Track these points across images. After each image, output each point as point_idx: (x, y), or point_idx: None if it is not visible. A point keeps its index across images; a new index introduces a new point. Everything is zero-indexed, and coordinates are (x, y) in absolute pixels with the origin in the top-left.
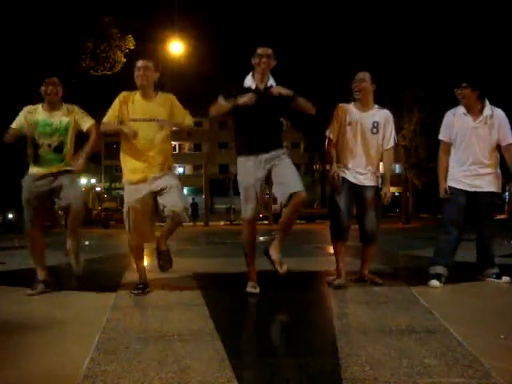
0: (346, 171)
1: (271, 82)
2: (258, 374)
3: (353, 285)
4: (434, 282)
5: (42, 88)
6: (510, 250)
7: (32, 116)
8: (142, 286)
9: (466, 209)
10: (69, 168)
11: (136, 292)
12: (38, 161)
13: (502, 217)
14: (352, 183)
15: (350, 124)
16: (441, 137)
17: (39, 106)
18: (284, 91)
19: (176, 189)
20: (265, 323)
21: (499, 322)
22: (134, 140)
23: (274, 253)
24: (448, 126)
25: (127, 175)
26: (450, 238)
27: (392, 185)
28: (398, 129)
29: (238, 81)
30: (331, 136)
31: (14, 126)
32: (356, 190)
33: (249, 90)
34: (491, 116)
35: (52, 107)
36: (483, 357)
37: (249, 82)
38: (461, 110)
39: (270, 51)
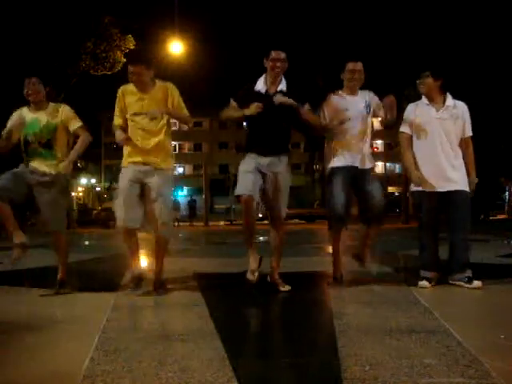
0: (342, 156)
1: (282, 85)
2: (258, 374)
3: (353, 285)
4: (424, 283)
5: (24, 90)
6: (510, 250)
7: (20, 117)
8: (138, 280)
9: (440, 209)
10: (60, 171)
11: (131, 288)
12: (29, 156)
13: (502, 217)
14: (348, 168)
15: (346, 110)
16: (402, 129)
17: (25, 108)
18: (287, 101)
19: (162, 201)
20: (265, 323)
21: (499, 322)
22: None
23: (276, 276)
24: (409, 117)
25: (124, 160)
26: (430, 243)
27: (392, 185)
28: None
29: (249, 84)
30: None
31: (3, 133)
32: (354, 173)
33: (259, 93)
34: (454, 106)
35: (38, 107)
36: (483, 357)
37: (260, 85)
38: (423, 100)
39: (284, 55)
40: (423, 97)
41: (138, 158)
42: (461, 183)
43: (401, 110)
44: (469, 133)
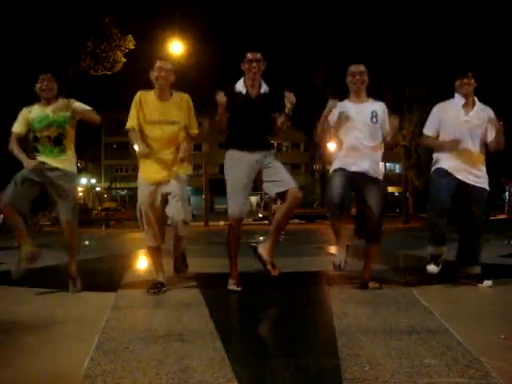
0: (347, 161)
1: (264, 87)
2: (258, 374)
3: (353, 285)
4: (432, 268)
5: (37, 85)
6: (510, 250)
7: (30, 114)
8: (160, 285)
9: (455, 195)
10: (67, 169)
11: (153, 291)
12: (38, 152)
13: (502, 217)
14: (353, 172)
15: (347, 117)
16: (425, 131)
17: (35, 105)
18: (292, 101)
19: (180, 199)
20: (265, 323)
21: (499, 322)
22: (145, 158)
23: (264, 253)
24: (436, 118)
25: (142, 175)
26: (439, 219)
27: (392, 185)
28: (398, 129)
29: (229, 86)
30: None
31: (15, 129)
32: (357, 180)
33: (240, 94)
34: (482, 110)
35: (48, 102)
36: (483, 357)
37: (240, 87)
38: (457, 101)
39: (259, 55)
40: (456, 96)
41: (155, 174)
42: (483, 181)
43: (401, 110)
44: (490, 138)
